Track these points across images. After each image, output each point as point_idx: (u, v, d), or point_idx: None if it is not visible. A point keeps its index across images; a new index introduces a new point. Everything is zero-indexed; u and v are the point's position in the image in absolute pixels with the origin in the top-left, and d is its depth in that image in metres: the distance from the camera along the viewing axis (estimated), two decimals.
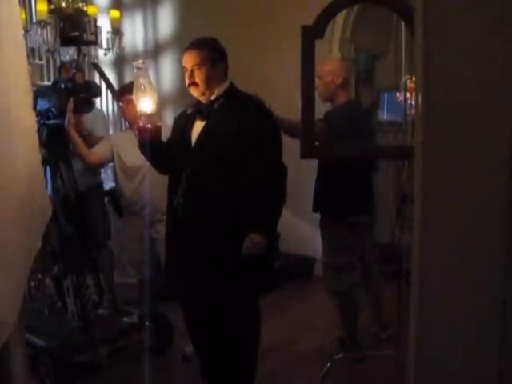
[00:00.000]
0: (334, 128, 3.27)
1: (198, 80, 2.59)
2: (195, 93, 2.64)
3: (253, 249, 2.53)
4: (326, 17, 2.45)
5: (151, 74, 2.72)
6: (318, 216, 5.55)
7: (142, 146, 2.68)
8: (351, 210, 3.36)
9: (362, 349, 3.53)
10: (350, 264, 3.42)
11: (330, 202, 3.44)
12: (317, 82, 3.29)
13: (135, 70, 2.58)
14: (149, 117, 2.58)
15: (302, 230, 5.57)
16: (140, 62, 2.61)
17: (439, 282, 1.33)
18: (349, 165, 3.21)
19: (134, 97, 2.59)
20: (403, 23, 2.84)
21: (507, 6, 1.19)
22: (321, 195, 3.51)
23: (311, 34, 2.42)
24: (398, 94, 4.26)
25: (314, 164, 4.88)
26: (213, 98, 2.64)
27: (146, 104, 2.57)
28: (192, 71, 2.60)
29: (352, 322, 3.54)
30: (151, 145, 2.63)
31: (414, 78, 2.73)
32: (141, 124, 2.60)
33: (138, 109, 2.58)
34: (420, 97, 1.29)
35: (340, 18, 5.04)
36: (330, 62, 3.65)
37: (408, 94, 3.21)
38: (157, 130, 2.62)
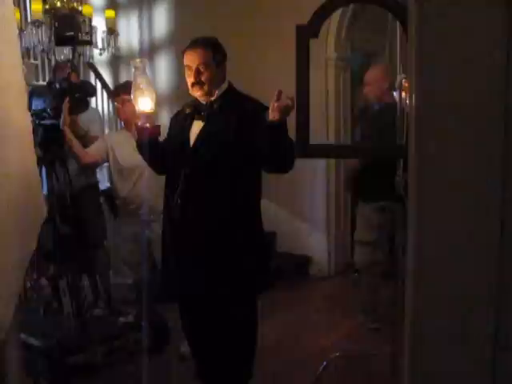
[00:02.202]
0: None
1: (203, 79, 2.55)
2: (199, 92, 2.59)
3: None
4: (321, 16, 2.45)
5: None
6: (314, 215, 5.59)
7: (141, 146, 2.67)
8: (379, 195, 3.69)
9: (380, 319, 3.97)
10: (375, 242, 3.84)
11: (363, 186, 3.89)
12: (366, 88, 3.92)
13: (133, 69, 2.55)
14: (147, 116, 2.57)
15: (298, 229, 5.59)
16: (138, 61, 2.58)
17: (434, 282, 1.33)
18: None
19: (132, 96, 2.56)
20: (398, 23, 2.85)
21: (500, 7, 1.19)
22: (357, 179, 3.99)
23: (306, 34, 2.42)
24: (393, 94, 4.27)
25: (310, 163, 4.91)
26: (213, 98, 2.62)
27: (144, 103, 2.54)
28: (197, 70, 2.55)
29: (373, 292, 4.01)
30: (150, 145, 2.62)
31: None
32: (139, 124, 2.58)
33: (137, 108, 2.56)
34: (414, 97, 1.29)
35: (335, 17, 5.04)
36: (378, 67, 3.87)
37: (403, 94, 3.21)
38: (156, 130, 2.60)
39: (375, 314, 4.05)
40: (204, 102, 2.62)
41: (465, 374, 1.34)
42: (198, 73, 2.55)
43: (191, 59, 2.57)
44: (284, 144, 2.40)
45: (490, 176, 1.27)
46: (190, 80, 2.59)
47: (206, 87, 2.57)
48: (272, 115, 2.33)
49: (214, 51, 2.58)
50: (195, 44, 2.59)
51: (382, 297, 3.89)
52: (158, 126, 2.62)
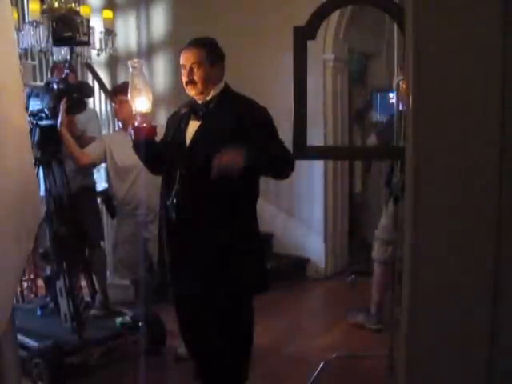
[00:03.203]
0: None
1: (196, 78, 2.58)
2: (192, 91, 2.62)
3: (226, 160, 2.37)
4: (319, 17, 2.46)
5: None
6: (311, 216, 5.59)
7: (137, 146, 2.67)
8: None
9: (383, 320, 3.99)
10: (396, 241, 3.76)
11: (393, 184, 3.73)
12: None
13: (130, 69, 2.57)
14: (144, 116, 2.57)
15: (295, 230, 5.59)
16: (135, 61, 2.60)
17: (430, 282, 1.34)
18: None
19: (129, 96, 2.57)
20: (396, 24, 2.85)
21: (494, 7, 1.20)
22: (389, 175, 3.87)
23: (304, 35, 2.43)
24: (390, 95, 4.28)
25: (307, 165, 4.91)
26: (208, 98, 2.63)
27: (141, 103, 2.55)
28: (191, 69, 2.58)
29: (384, 292, 3.98)
30: (146, 145, 2.62)
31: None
32: (136, 123, 2.58)
33: (134, 108, 2.57)
34: (411, 98, 1.29)
35: (333, 18, 5.05)
36: None
37: (401, 95, 3.22)
38: (152, 130, 2.61)
39: (379, 315, 4.04)
40: (200, 102, 2.64)
41: (461, 375, 1.34)
42: (191, 71, 2.59)
43: (185, 58, 2.62)
44: (272, 164, 2.52)
45: (488, 177, 1.27)
46: (184, 79, 2.62)
47: (198, 86, 2.59)
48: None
49: (208, 51, 2.60)
50: (190, 44, 2.64)
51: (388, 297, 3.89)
52: (155, 126, 2.63)
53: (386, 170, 3.95)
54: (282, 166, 2.58)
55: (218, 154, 2.36)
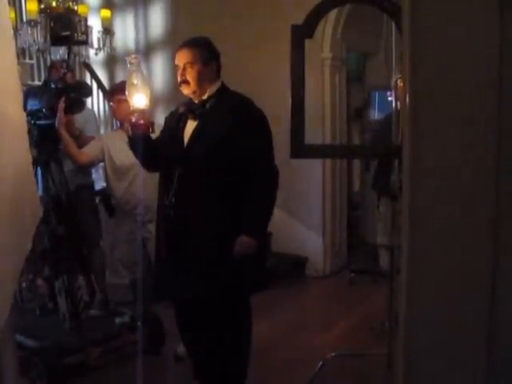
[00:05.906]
0: None
1: (189, 78, 2.60)
2: (186, 91, 2.65)
3: (243, 250, 2.54)
4: (316, 16, 2.46)
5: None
6: (310, 215, 5.58)
7: (133, 142, 2.67)
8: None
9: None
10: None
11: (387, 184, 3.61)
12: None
13: (128, 65, 2.57)
14: (142, 112, 2.57)
15: (294, 229, 5.58)
16: (133, 56, 2.60)
17: (427, 283, 1.34)
18: None
19: (126, 92, 2.56)
20: (394, 23, 2.85)
21: (490, 6, 1.20)
22: (383, 176, 3.76)
23: (301, 34, 2.43)
24: (388, 94, 4.28)
25: (305, 164, 4.91)
26: (205, 97, 2.64)
27: (138, 99, 2.55)
28: (184, 69, 2.61)
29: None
30: (143, 141, 2.62)
31: None
32: (133, 120, 2.58)
33: (131, 104, 2.56)
34: (408, 97, 1.29)
35: (331, 17, 5.04)
36: None
37: (399, 93, 3.22)
38: (149, 126, 2.61)
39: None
40: (197, 102, 2.65)
41: (460, 375, 1.34)
42: (184, 71, 2.61)
43: (179, 58, 2.65)
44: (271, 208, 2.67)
45: (485, 176, 1.27)
46: (178, 78, 2.63)
47: (191, 85, 2.61)
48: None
49: (201, 50, 2.62)
50: (183, 44, 2.67)
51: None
52: (152, 123, 2.62)
53: (372, 173, 3.88)
54: (273, 198, 2.67)
55: (235, 245, 2.55)
